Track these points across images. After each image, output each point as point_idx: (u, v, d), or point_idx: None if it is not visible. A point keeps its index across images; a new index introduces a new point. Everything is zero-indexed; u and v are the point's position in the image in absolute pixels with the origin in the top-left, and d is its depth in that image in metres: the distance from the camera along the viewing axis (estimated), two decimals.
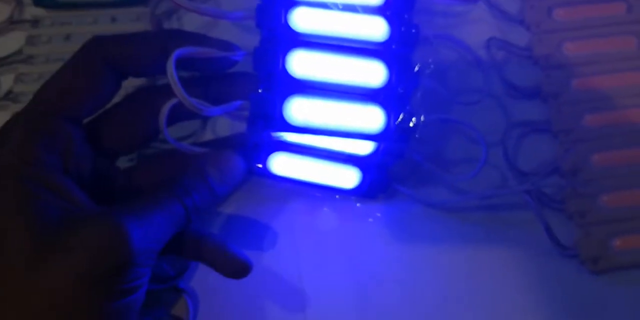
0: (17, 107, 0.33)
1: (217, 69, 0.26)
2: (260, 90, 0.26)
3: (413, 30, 0.26)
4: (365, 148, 0.25)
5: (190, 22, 0.35)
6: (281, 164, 0.25)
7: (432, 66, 0.28)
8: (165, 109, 0.23)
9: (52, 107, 0.23)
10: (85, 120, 0.25)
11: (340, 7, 0.25)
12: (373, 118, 0.26)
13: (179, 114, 0.25)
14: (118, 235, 0.20)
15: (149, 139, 0.26)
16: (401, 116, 0.26)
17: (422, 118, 0.26)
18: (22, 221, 0.20)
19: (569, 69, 0.32)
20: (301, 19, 0.26)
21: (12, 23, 0.36)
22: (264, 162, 0.25)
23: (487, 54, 0.32)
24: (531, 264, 0.28)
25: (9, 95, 0.34)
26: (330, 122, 0.26)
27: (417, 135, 0.26)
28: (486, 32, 0.33)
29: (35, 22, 0.36)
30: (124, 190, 0.25)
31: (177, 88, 0.23)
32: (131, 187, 0.25)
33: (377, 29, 0.26)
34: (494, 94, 0.31)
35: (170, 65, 0.23)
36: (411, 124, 0.26)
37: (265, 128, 0.25)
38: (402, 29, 0.25)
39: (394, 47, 0.26)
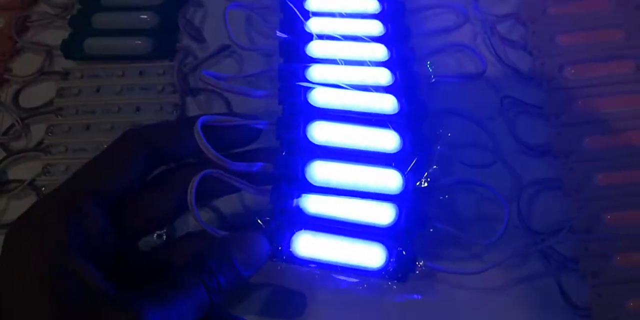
0: (48, 159, 0.34)
1: (242, 139, 0.27)
2: (283, 154, 0.27)
3: (421, 106, 0.28)
4: (387, 217, 0.26)
5: None
6: (304, 244, 0.25)
7: (441, 131, 0.29)
8: (195, 181, 0.24)
9: (83, 191, 0.23)
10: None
11: (354, 87, 0.28)
12: (391, 180, 0.27)
13: (206, 192, 0.25)
14: None
15: (171, 220, 0.26)
16: (418, 178, 0.27)
17: (436, 180, 0.27)
18: (44, 303, 0.20)
19: (580, 127, 0.33)
20: (319, 96, 0.28)
21: (43, 74, 0.38)
22: (288, 243, 0.25)
23: (500, 111, 0.33)
24: None
25: (40, 146, 0.35)
26: (351, 184, 0.27)
27: (441, 197, 0.26)
28: (499, 89, 0.34)
29: (65, 74, 0.37)
30: (146, 270, 0.25)
31: (202, 142, 0.24)
32: (153, 268, 0.25)
33: (388, 104, 0.28)
34: (507, 152, 0.32)
35: (197, 126, 0.25)
36: (427, 184, 0.27)
37: (289, 189, 0.27)
38: (411, 105, 0.28)
39: (404, 119, 0.28)
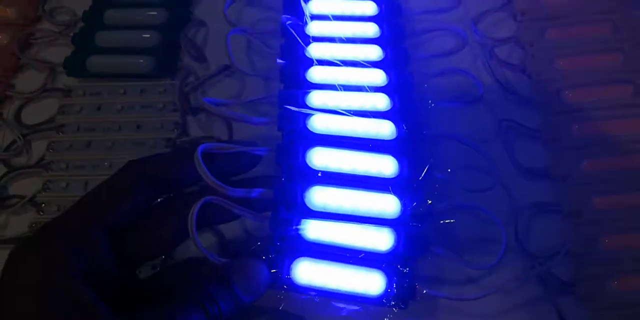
0: (48, 176, 0.35)
1: (242, 165, 0.27)
2: (283, 179, 0.27)
3: (419, 131, 0.28)
4: (386, 243, 0.26)
5: (215, 96, 0.36)
6: (304, 272, 0.26)
7: (439, 155, 0.29)
8: (195, 208, 0.24)
9: (88, 218, 0.24)
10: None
11: (352, 113, 0.28)
12: (389, 205, 0.27)
13: (207, 219, 0.25)
14: None
15: (173, 246, 0.27)
16: (416, 203, 0.27)
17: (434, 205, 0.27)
18: None
19: (578, 150, 0.33)
20: (318, 122, 0.28)
21: (45, 91, 0.38)
22: (287, 270, 0.26)
23: (499, 135, 0.34)
24: None
25: (41, 162, 0.35)
26: (350, 209, 0.27)
27: (440, 222, 0.26)
28: (498, 113, 0.34)
29: (67, 92, 0.38)
30: (146, 295, 0.25)
31: (202, 170, 0.25)
32: (153, 293, 0.25)
33: (385, 130, 0.28)
34: (505, 176, 0.32)
35: (197, 154, 0.25)
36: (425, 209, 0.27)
37: (288, 214, 0.27)
38: (409, 130, 0.28)
39: (402, 144, 0.28)
